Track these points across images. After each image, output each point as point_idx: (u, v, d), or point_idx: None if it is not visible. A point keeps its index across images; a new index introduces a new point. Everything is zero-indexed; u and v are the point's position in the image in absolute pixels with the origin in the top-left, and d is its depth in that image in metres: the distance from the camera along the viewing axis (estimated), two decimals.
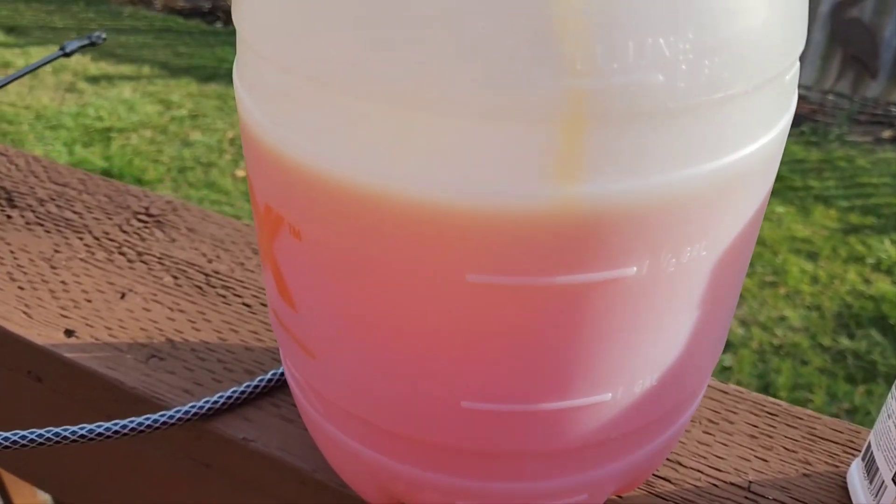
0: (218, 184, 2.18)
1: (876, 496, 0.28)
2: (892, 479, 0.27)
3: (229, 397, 0.33)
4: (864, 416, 1.49)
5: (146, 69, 2.86)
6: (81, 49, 0.64)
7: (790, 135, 2.54)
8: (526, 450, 0.21)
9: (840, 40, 2.65)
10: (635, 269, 0.18)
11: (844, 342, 1.76)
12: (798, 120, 2.62)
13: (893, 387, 0.27)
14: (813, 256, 2.00)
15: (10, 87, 2.32)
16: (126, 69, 2.84)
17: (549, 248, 0.17)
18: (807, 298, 1.87)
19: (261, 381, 0.33)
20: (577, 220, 0.17)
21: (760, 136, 0.18)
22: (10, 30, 3.04)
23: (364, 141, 0.17)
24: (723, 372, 1.65)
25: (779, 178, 2.32)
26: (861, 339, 1.76)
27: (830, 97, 2.72)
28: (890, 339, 1.78)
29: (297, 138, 0.18)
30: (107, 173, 2.15)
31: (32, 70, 0.52)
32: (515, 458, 0.22)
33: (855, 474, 0.30)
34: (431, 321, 0.19)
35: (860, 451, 0.32)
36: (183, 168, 2.26)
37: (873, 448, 0.29)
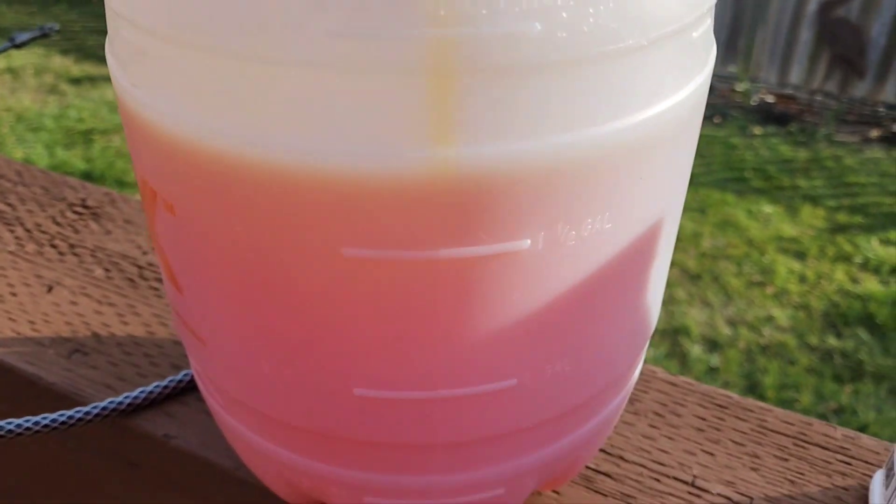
0: None
1: None
2: None
3: (151, 392, 0.31)
4: (850, 416, 1.47)
5: None
6: (33, 41, 0.63)
7: (777, 134, 2.53)
8: (428, 442, 0.20)
9: (827, 40, 2.65)
10: (528, 242, 0.17)
11: (832, 342, 1.75)
12: (786, 119, 2.61)
13: None
14: (800, 256, 1.99)
15: None
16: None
17: (426, 217, 0.16)
18: (794, 298, 1.86)
19: (185, 375, 0.32)
20: (454, 185, 0.15)
21: (665, 97, 0.17)
22: None
23: (222, 101, 0.15)
24: (709, 372, 1.63)
25: (766, 177, 2.31)
26: (848, 339, 1.75)
27: (818, 97, 2.72)
28: (877, 338, 1.77)
29: (158, 103, 0.17)
30: (88, 175, 2.13)
31: None
32: (419, 451, 0.20)
33: (877, 486, 0.28)
34: (311, 300, 0.17)
35: (810, 444, 0.31)
36: None
37: None
